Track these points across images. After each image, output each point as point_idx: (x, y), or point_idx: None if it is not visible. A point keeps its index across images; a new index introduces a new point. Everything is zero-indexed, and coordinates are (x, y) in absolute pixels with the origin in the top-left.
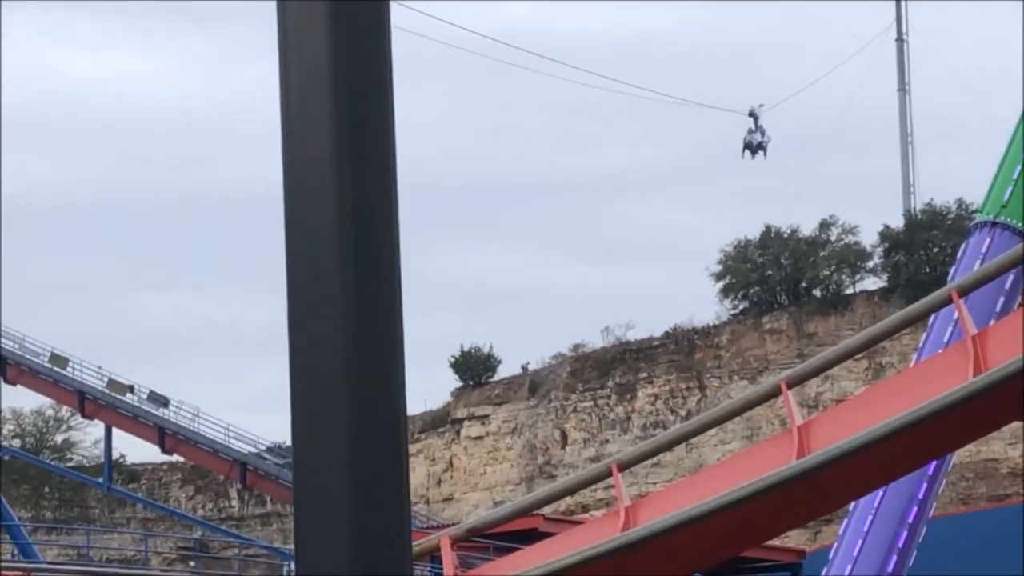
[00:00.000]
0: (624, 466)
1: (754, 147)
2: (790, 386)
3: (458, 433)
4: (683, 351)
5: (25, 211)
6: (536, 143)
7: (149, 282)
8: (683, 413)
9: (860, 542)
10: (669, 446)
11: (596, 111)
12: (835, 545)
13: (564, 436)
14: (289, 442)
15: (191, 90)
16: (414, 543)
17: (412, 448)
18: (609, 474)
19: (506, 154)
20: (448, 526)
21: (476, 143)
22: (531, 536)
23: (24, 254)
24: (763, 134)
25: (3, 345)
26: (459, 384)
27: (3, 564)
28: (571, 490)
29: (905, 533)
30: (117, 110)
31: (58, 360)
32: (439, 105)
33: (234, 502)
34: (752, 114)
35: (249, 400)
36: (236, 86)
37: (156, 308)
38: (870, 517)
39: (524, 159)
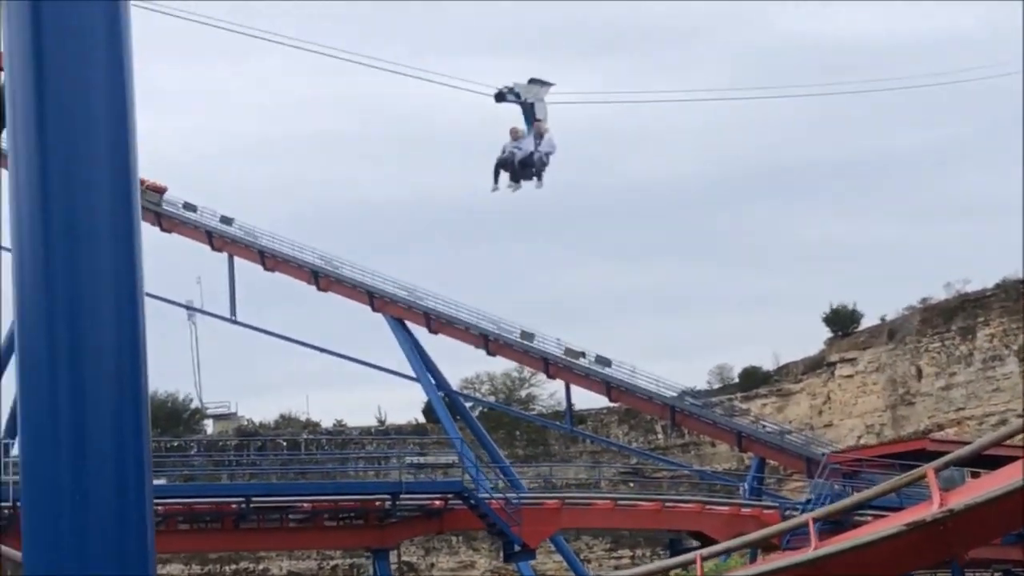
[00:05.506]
0: None
1: (515, 166)
2: None
3: (832, 373)
4: (1012, 298)
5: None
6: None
7: (577, 262)
8: (1015, 348)
9: None
10: None
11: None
12: None
13: (919, 371)
14: (699, 386)
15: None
16: (901, 475)
17: (795, 387)
18: None
19: (835, 137)
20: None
21: (805, 127)
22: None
23: (491, 250)
24: (539, 139)
25: (484, 326)
26: (830, 334)
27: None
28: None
29: None
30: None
31: (526, 335)
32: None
33: (659, 435)
34: (503, 98)
35: (654, 350)
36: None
37: (586, 283)
38: None
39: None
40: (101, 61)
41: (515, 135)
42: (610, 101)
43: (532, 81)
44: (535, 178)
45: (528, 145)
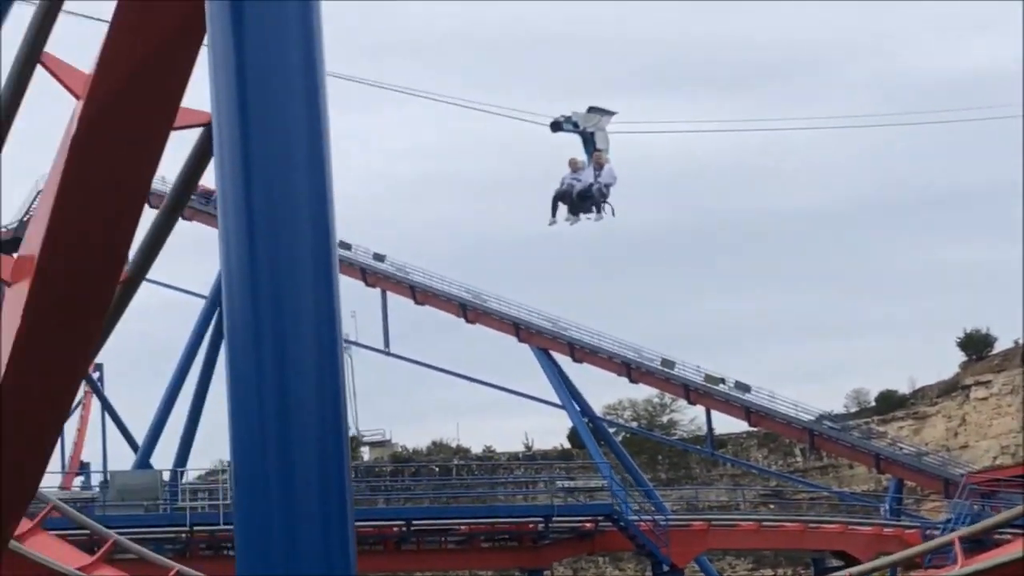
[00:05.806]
0: None
1: (573, 198)
2: None
3: (967, 396)
4: None
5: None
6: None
7: (715, 291)
8: None
9: None
10: None
11: None
12: None
13: None
14: (836, 411)
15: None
16: None
17: (931, 410)
18: None
19: (965, 164)
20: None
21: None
22: None
23: (631, 279)
24: (598, 171)
25: (626, 355)
26: (964, 358)
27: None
28: None
29: None
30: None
31: (667, 363)
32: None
33: (798, 458)
34: (559, 127)
35: (791, 375)
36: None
37: (723, 311)
38: None
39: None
40: (301, 112)
41: (574, 166)
42: (686, 131)
43: (592, 110)
44: (594, 210)
45: (587, 176)
